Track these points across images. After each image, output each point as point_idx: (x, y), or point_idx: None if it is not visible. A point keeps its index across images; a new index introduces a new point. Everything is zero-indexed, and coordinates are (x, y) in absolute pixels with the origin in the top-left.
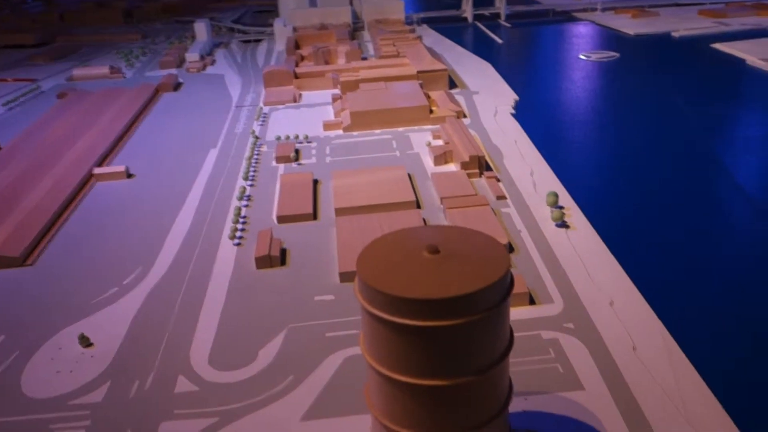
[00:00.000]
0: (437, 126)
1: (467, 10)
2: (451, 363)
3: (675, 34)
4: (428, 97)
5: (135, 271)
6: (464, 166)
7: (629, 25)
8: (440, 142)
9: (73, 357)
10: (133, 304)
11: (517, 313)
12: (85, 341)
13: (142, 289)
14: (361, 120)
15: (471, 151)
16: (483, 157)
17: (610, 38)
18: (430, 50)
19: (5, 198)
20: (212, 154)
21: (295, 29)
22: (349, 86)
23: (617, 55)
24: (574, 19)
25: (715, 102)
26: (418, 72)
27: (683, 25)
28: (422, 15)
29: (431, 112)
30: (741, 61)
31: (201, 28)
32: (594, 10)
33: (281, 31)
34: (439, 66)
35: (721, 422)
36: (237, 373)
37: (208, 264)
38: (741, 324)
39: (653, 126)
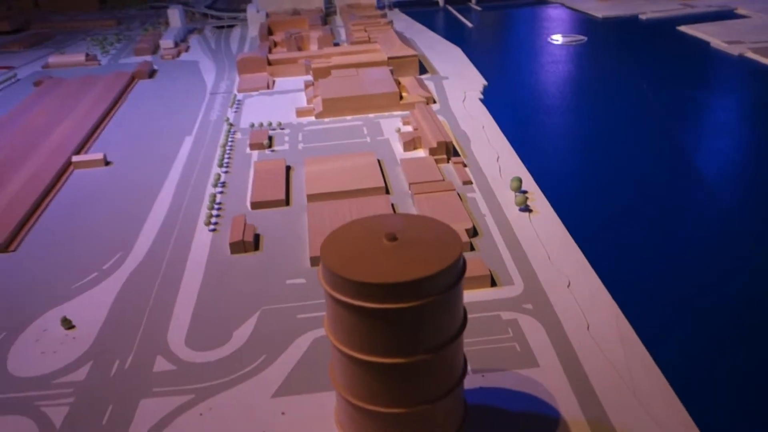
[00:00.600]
0: (407, 112)
1: None
2: (407, 342)
3: (642, 17)
4: (399, 83)
5: (114, 256)
6: (432, 152)
7: (597, 8)
8: (410, 128)
9: (56, 339)
10: (113, 288)
11: (478, 294)
12: (68, 323)
13: (121, 273)
14: (332, 106)
15: (439, 137)
16: (450, 142)
17: (579, 21)
18: (401, 35)
19: None
20: (188, 141)
21: (267, 15)
22: (321, 73)
23: (585, 38)
24: (545, 2)
25: (680, 86)
26: (389, 58)
27: (650, 7)
28: None
29: (401, 98)
30: (705, 44)
31: (174, 15)
32: None
33: (254, 17)
34: (409, 52)
35: (665, 396)
36: (212, 353)
37: (184, 249)
38: (692, 306)
39: (617, 110)
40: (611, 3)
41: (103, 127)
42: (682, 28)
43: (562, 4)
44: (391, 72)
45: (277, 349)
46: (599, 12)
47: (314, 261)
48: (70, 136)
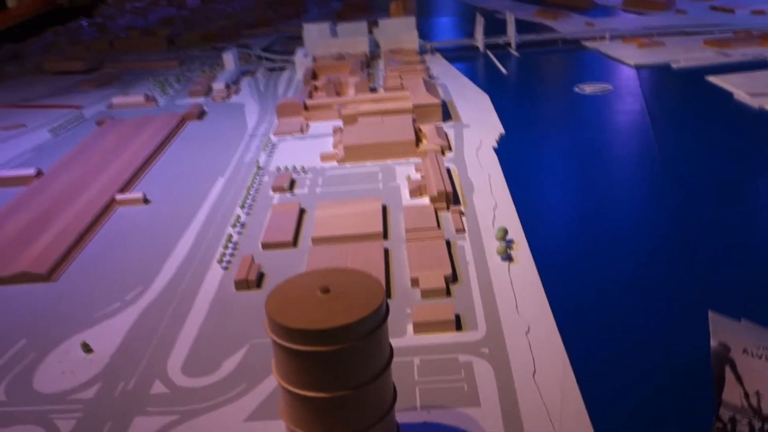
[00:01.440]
0: (420, 159)
1: (479, 39)
2: (332, 379)
3: (674, 65)
4: (420, 130)
5: (136, 288)
6: (433, 199)
7: (632, 56)
8: (419, 176)
9: (76, 361)
10: (130, 317)
11: (443, 338)
12: (87, 348)
13: (139, 305)
14: (354, 153)
15: (440, 187)
16: (450, 192)
17: (611, 69)
18: (432, 82)
19: (41, 220)
20: (220, 182)
21: (314, 59)
22: (350, 119)
23: (611, 87)
24: (582, 48)
25: (692, 139)
26: (414, 106)
27: (685, 55)
28: (436, 44)
29: (418, 146)
30: (729, 95)
31: (229, 58)
32: (603, 38)
33: (301, 61)
34: (433, 101)
35: None
36: (202, 380)
37: (196, 285)
38: (638, 369)
39: (621, 166)
40: (648, 50)
41: (150, 166)
42: (711, 78)
43: (599, 51)
44: (414, 120)
45: (256, 379)
46: (633, 59)
47: None
48: (119, 174)
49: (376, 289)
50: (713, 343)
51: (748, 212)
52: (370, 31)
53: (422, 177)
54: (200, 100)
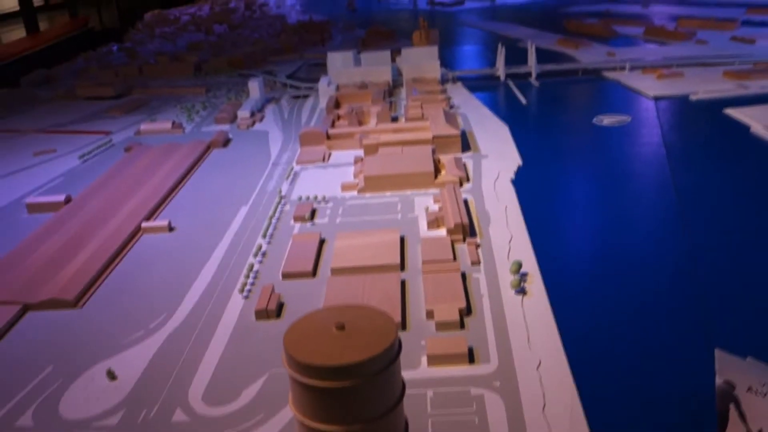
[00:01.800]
0: (439, 190)
1: (500, 69)
2: (347, 413)
3: (693, 97)
4: (439, 161)
5: (160, 316)
6: (450, 232)
7: (652, 87)
8: (437, 207)
9: (101, 388)
10: (154, 345)
11: (456, 370)
12: (112, 375)
13: (162, 333)
14: (374, 183)
15: (457, 219)
16: (467, 224)
17: (630, 100)
18: (453, 112)
19: (69, 247)
20: (243, 211)
21: (338, 87)
22: (371, 149)
23: (629, 119)
24: (602, 79)
25: (706, 173)
26: (434, 137)
27: (704, 86)
28: (458, 73)
29: (436, 177)
30: (746, 129)
31: (254, 86)
32: (623, 69)
33: (324, 90)
34: (453, 132)
35: None
36: (222, 409)
37: (218, 314)
38: (649, 400)
39: (635, 199)
40: (668, 81)
41: (176, 194)
42: (729, 111)
43: (618, 81)
44: (434, 151)
45: (274, 408)
46: (652, 91)
47: None
48: (146, 201)
49: (389, 327)
50: (718, 381)
51: (758, 248)
52: (393, 60)
53: (440, 209)
54: (226, 127)
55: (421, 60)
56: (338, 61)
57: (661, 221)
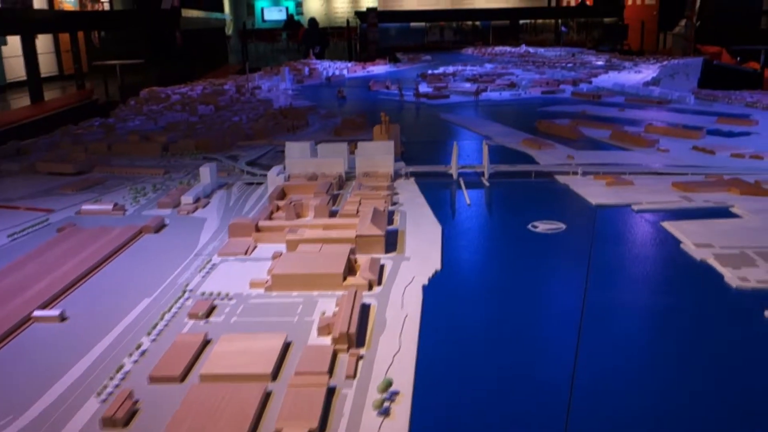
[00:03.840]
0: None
1: (453, 167)
2: None
3: (635, 207)
4: (355, 261)
5: (5, 419)
6: (335, 340)
7: (597, 194)
8: (333, 312)
9: None
10: None
11: None
12: None
13: None
14: (282, 282)
15: (343, 328)
16: (353, 334)
17: (571, 207)
18: (388, 210)
19: None
20: (143, 303)
21: (288, 178)
22: (292, 245)
23: (563, 227)
24: (553, 182)
25: (622, 292)
26: (357, 236)
27: (649, 197)
28: (411, 169)
29: (345, 279)
30: (676, 243)
31: (205, 172)
32: (576, 173)
33: (273, 179)
34: (376, 232)
35: None
36: None
37: (66, 419)
38: None
39: (541, 314)
40: (615, 189)
41: (85, 280)
42: (665, 224)
43: (568, 186)
44: (352, 251)
45: None
46: (595, 198)
47: None
48: (50, 287)
49: None
50: None
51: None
52: (352, 152)
53: (333, 314)
54: (167, 212)
55: (376, 154)
56: (296, 150)
57: (560, 343)
